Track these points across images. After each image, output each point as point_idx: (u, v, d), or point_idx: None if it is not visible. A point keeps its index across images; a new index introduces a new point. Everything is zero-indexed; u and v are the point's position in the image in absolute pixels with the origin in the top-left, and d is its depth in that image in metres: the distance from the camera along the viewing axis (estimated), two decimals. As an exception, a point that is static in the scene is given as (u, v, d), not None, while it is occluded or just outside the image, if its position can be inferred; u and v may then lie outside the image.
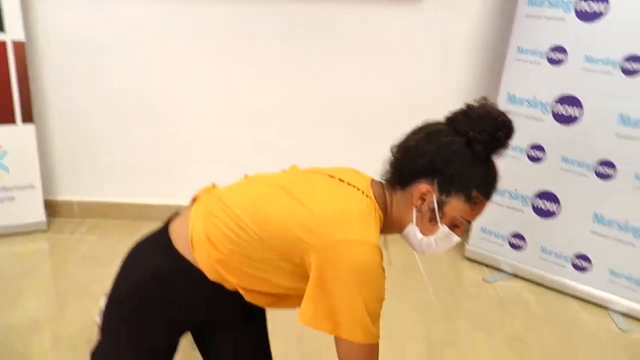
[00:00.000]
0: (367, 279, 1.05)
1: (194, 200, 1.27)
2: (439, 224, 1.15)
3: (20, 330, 2.00)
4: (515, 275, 2.54)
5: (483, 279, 2.53)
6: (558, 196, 2.34)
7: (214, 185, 1.30)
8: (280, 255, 1.11)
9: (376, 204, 1.15)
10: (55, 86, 2.68)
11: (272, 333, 1.44)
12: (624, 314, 2.29)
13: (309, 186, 1.18)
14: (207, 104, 2.71)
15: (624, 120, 2.12)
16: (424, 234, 1.18)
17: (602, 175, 2.21)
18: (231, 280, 1.14)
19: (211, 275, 1.14)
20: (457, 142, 1.12)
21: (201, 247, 1.14)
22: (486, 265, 2.62)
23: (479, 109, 1.14)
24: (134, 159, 2.79)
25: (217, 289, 1.16)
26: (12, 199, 2.64)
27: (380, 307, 1.09)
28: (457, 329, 2.17)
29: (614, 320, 2.26)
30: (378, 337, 1.09)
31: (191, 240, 1.15)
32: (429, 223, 1.16)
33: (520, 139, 2.35)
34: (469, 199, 1.13)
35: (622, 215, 2.21)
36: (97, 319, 1.27)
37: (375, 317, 1.07)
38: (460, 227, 1.18)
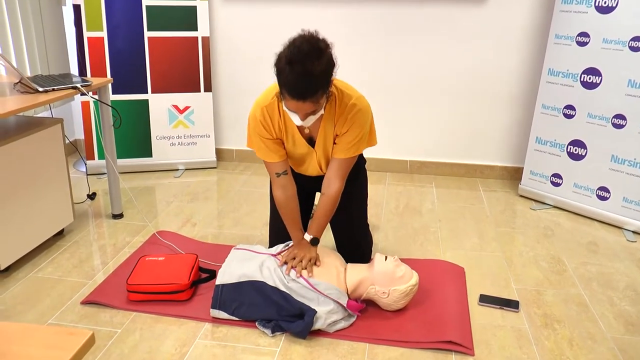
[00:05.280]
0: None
1: None
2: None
3: (208, 218, 3.18)
4: (555, 207, 3.37)
5: (530, 208, 3.38)
6: (585, 143, 3.16)
7: None
8: None
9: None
10: (225, 67, 3.87)
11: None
12: (633, 232, 3.06)
13: None
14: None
15: (632, 84, 2.91)
16: None
17: (616, 126, 3.01)
18: None
19: None
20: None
21: None
22: (534, 200, 3.46)
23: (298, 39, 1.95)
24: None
25: None
26: (195, 143, 3.85)
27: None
28: (503, 232, 3.06)
29: (625, 236, 3.04)
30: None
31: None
32: None
33: (557, 102, 3.20)
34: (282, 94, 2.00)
35: (632, 155, 2.99)
36: None
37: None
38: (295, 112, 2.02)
